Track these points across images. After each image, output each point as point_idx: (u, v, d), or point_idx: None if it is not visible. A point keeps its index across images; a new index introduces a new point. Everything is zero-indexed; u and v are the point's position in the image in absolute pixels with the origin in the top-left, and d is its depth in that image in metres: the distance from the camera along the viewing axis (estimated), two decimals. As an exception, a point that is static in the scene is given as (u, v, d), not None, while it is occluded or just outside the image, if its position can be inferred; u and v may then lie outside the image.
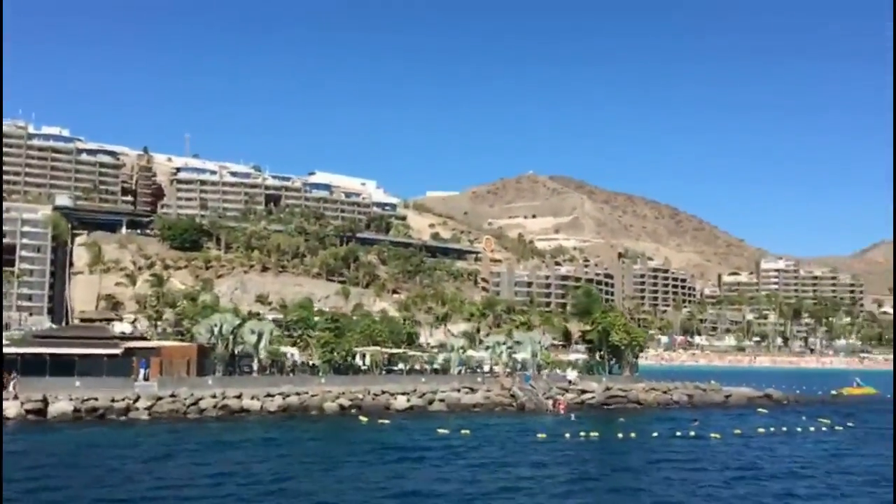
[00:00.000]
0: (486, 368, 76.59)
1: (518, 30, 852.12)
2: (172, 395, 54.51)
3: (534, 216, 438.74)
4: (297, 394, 59.08)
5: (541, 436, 45.99)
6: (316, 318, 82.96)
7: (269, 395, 58.13)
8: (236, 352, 66.39)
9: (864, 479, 35.42)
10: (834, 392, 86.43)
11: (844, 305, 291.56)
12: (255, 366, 66.64)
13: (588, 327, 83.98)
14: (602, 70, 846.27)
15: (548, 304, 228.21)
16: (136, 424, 49.05)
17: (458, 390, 64.20)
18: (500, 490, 30.92)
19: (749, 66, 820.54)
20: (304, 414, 56.32)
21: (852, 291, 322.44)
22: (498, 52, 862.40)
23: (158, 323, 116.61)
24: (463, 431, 46.93)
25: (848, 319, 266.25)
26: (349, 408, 58.33)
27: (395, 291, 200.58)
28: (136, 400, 53.01)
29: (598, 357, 79.01)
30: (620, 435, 46.97)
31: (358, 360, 71.71)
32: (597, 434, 46.69)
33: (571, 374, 69.98)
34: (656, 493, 30.73)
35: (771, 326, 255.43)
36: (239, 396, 56.83)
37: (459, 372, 73.28)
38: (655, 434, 47.54)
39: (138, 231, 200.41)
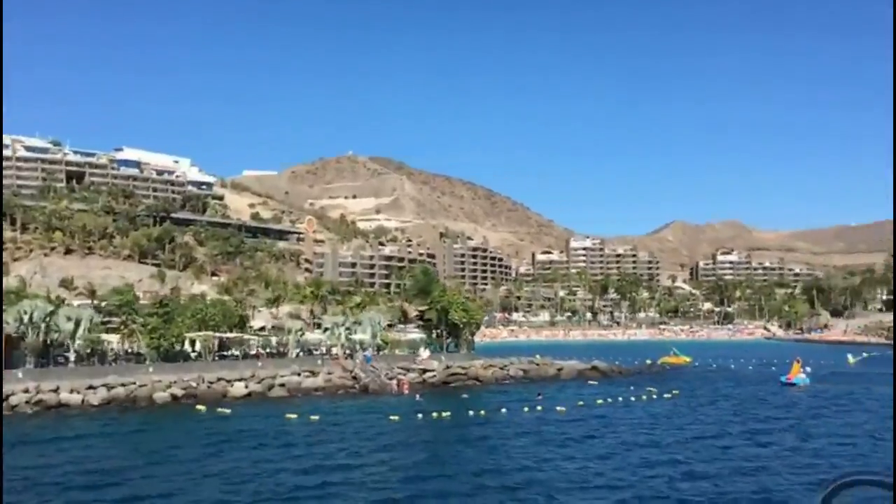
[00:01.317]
0: (323, 350, 74.95)
1: (337, 4, 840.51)
2: (-23, 392, 48.64)
3: (354, 197, 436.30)
4: (123, 384, 54.94)
5: (393, 417, 45.36)
6: (142, 303, 77.20)
7: (91, 388, 53.64)
8: (50, 341, 60.30)
9: (695, 436, 38.72)
10: (649, 361, 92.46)
11: (644, 281, 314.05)
12: (72, 356, 60.96)
13: (424, 306, 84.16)
14: (418, 51, 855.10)
15: (372, 285, 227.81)
16: (-66, 427, 43.08)
17: (299, 374, 62.36)
18: (360, 472, 30.04)
19: (559, 50, 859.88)
20: (133, 406, 52.35)
21: (650, 268, 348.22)
22: (314, 27, 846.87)
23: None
24: (312, 417, 45.36)
25: (647, 294, 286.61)
26: (183, 397, 55.10)
27: (214, 274, 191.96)
28: (-67, 399, 46.84)
29: (434, 336, 79.45)
30: (472, 413, 47.32)
31: (186, 347, 67.59)
32: (449, 413, 46.76)
33: (424, 353, 69.95)
34: (518, 468, 31.01)
35: (580, 302, 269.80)
36: (56, 390, 52.04)
37: (297, 355, 71.04)
38: (505, 410, 48.32)
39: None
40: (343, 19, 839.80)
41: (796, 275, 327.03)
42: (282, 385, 59.94)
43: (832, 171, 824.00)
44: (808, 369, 73.63)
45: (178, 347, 65.42)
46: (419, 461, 32.88)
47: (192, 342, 67.85)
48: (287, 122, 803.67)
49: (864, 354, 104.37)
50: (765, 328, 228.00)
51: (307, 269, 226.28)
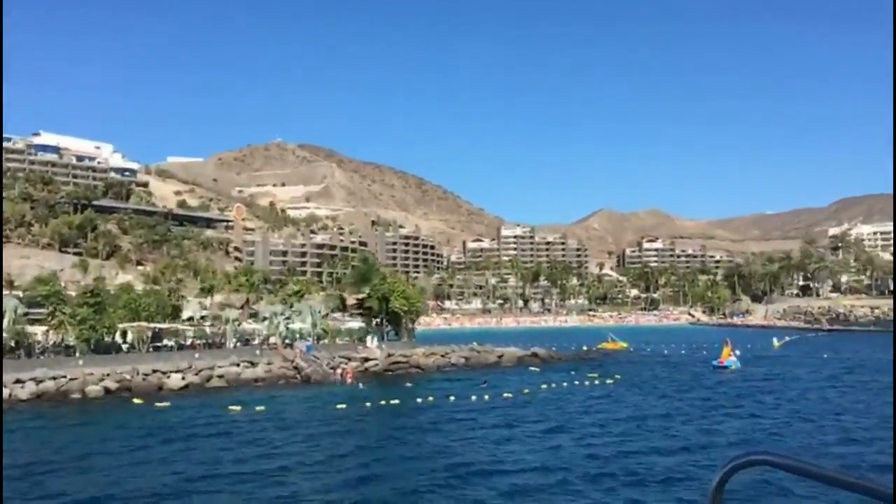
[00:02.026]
0: (259, 340, 73.46)
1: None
2: None
3: (283, 184, 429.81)
4: (53, 378, 52.71)
5: (341, 406, 44.82)
6: (71, 293, 74.10)
7: (18, 381, 51.29)
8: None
9: (634, 419, 39.77)
10: (585, 347, 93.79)
11: (573, 269, 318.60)
12: (-5, 349, 57.99)
13: (362, 295, 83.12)
14: (345, 39, 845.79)
15: (304, 273, 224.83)
16: None
17: (238, 365, 60.96)
18: (315, 460, 29.61)
19: (489, 40, 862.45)
20: (64, 400, 50.26)
21: (579, 255, 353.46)
22: (239, 13, 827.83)
23: None
24: (258, 408, 44.38)
25: (576, 281, 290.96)
26: (117, 390, 53.22)
27: (139, 263, 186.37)
28: None
29: (374, 324, 78.69)
30: (419, 400, 47.11)
31: (118, 338, 65.34)
32: (397, 401, 46.43)
33: (372, 342, 69.21)
34: (470, 453, 30.98)
35: (511, 290, 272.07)
36: (-20, 384, 49.34)
37: (235, 345, 69.45)
38: (452, 398, 48.21)
39: None
40: (268, 6, 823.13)
41: (717, 262, 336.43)
42: (220, 376, 58.57)
43: (749, 160, 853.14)
44: (738, 353, 75.97)
45: (109, 339, 63.20)
46: (372, 448, 32.51)
47: (124, 333, 65.66)
48: (212, 109, 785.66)
49: (787, 338, 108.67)
50: (689, 314, 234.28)
51: (237, 258, 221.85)
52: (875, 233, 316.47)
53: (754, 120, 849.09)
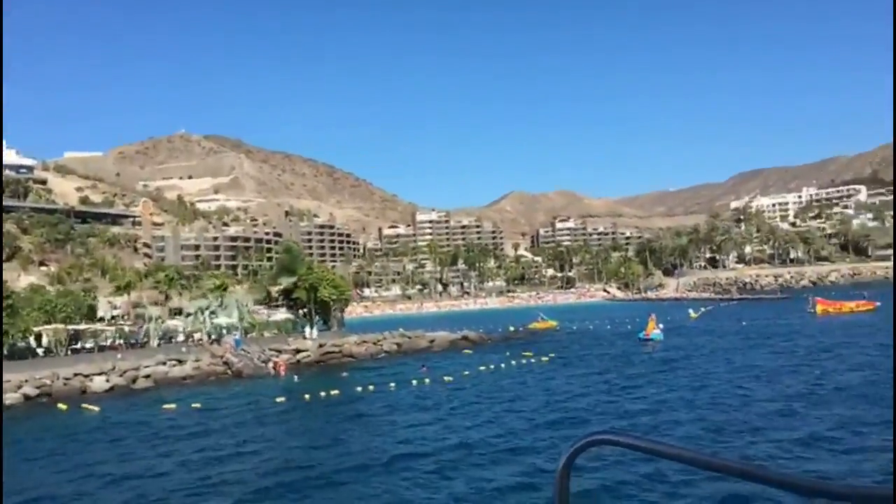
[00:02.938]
0: (182, 337, 71.29)
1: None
2: None
3: (190, 177, 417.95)
4: (-34, 388, 49.65)
5: (279, 399, 43.90)
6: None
7: (-76, 396, 48.05)
8: None
9: (575, 394, 40.47)
10: (512, 328, 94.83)
11: (490, 251, 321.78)
12: None
13: (285, 285, 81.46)
14: (250, 28, 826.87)
15: (218, 267, 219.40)
16: None
17: (165, 363, 58.93)
18: (264, 452, 28.80)
19: (398, 27, 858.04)
20: (-21, 410, 47.36)
21: (494, 238, 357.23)
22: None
23: None
24: (193, 405, 43.05)
25: (493, 263, 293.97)
26: (37, 397, 50.60)
27: (42, 263, 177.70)
28: None
29: (302, 314, 77.43)
30: (359, 389, 46.58)
31: (32, 342, 62.23)
32: (337, 391, 45.76)
33: (312, 332, 67.89)
34: (418, 437, 30.82)
35: (430, 274, 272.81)
36: None
37: (159, 344, 67.10)
38: (393, 385, 47.86)
39: None
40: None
41: (627, 238, 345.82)
42: (147, 376, 56.51)
43: (651, 139, 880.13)
44: (661, 326, 78.27)
45: (23, 343, 60.07)
46: (320, 439, 31.93)
47: (38, 337, 62.56)
48: (110, 101, 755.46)
49: (703, 309, 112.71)
50: (605, 290, 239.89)
51: (146, 255, 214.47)
52: (774, 204, 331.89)
53: (651, 98, 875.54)
